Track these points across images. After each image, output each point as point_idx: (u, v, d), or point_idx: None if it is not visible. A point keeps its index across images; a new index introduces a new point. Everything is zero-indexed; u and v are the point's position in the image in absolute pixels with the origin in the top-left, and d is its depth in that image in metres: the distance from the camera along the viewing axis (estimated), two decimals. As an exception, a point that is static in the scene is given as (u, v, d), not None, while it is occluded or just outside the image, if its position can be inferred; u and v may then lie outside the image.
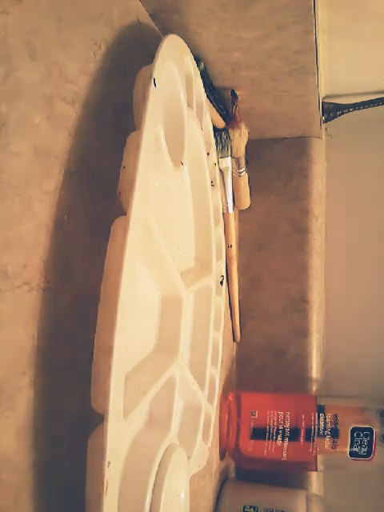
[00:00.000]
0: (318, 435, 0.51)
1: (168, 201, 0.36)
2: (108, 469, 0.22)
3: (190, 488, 0.32)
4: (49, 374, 0.24)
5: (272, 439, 0.51)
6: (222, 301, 0.49)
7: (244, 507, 0.51)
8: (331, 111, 0.63)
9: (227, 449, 0.54)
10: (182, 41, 0.34)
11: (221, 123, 0.51)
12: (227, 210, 0.54)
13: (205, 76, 0.45)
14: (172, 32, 0.33)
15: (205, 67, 0.45)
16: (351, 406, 0.53)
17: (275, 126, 0.62)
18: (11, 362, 0.22)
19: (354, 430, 0.50)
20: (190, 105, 0.36)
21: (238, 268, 0.59)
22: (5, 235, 0.21)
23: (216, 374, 0.46)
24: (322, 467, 0.52)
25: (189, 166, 0.39)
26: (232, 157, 0.52)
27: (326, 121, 0.64)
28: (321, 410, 0.52)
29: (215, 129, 0.49)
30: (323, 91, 0.63)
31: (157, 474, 0.27)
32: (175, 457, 0.28)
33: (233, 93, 0.51)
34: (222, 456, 0.55)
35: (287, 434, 0.51)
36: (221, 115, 0.51)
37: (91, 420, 0.24)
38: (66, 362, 0.26)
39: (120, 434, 0.24)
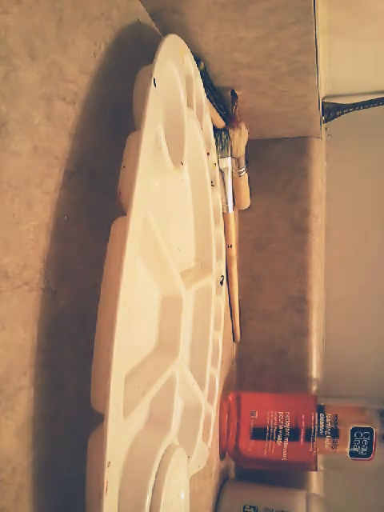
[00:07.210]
0: (318, 435, 0.51)
1: (168, 201, 0.36)
2: (108, 469, 0.22)
3: (189, 488, 0.32)
4: (49, 374, 0.24)
5: (272, 439, 0.51)
6: (222, 301, 0.49)
7: (244, 507, 0.51)
8: (331, 111, 0.63)
9: (227, 449, 0.54)
10: (181, 41, 0.35)
11: (221, 123, 0.51)
12: (227, 210, 0.54)
13: (205, 76, 0.45)
14: (172, 32, 0.33)
15: (205, 67, 0.45)
16: (351, 405, 0.53)
17: (275, 126, 0.62)
18: (11, 362, 0.22)
19: (353, 430, 0.50)
20: (190, 105, 0.36)
21: (238, 268, 0.59)
22: (5, 235, 0.21)
23: (216, 374, 0.46)
24: (322, 467, 0.52)
25: (189, 166, 0.39)
26: (232, 157, 0.52)
27: (326, 121, 0.64)
28: (321, 410, 0.52)
29: (215, 129, 0.49)
30: (323, 91, 0.63)
31: (157, 473, 0.27)
32: (175, 457, 0.28)
33: (233, 93, 0.51)
34: (222, 456, 0.55)
35: (287, 434, 0.51)
36: (221, 115, 0.51)
37: (91, 420, 0.24)
38: (66, 361, 0.26)
39: (120, 434, 0.24)
